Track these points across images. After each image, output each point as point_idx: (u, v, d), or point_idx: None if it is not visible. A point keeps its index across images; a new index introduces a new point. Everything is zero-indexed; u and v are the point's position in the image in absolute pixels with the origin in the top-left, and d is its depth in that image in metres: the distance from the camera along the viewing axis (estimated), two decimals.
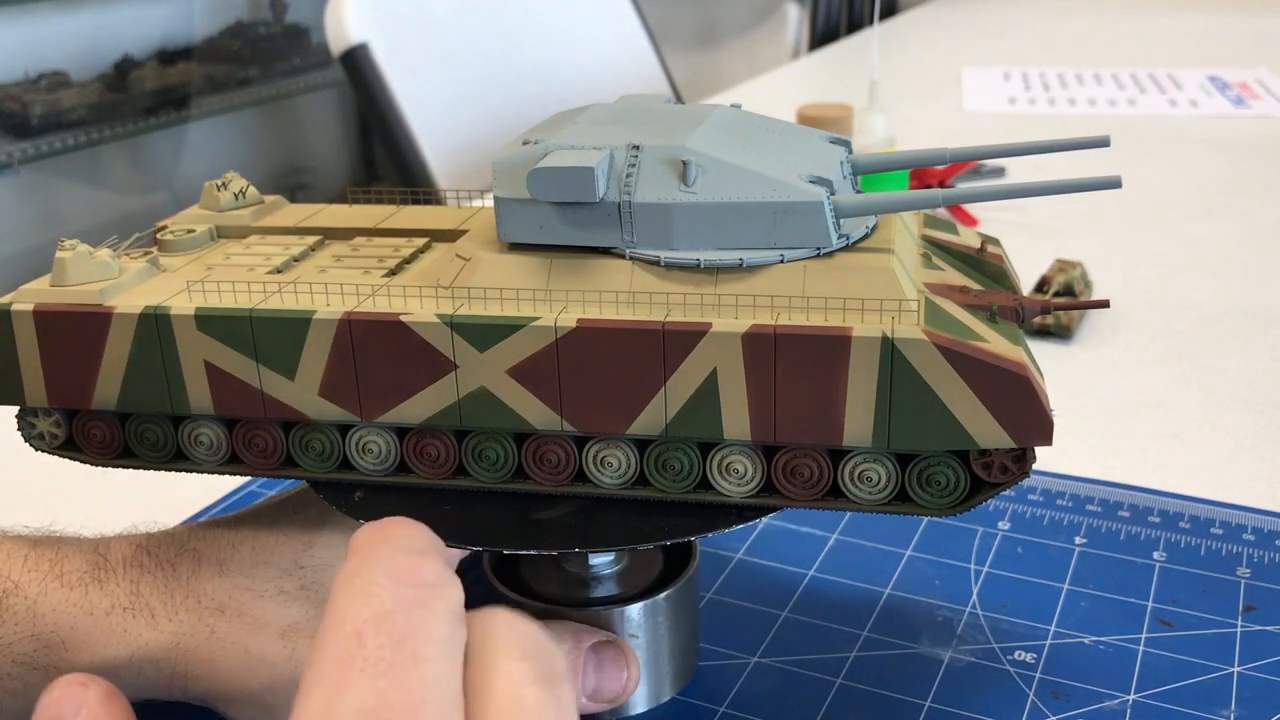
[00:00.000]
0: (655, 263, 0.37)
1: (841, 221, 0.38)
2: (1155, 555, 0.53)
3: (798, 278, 0.37)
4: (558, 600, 0.44)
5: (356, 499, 0.42)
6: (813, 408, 0.36)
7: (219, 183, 0.48)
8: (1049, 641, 0.48)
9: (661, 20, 1.95)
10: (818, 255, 0.37)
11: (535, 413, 0.38)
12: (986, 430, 0.35)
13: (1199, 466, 0.61)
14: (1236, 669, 0.46)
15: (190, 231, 0.46)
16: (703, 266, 0.37)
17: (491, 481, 0.40)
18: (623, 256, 0.38)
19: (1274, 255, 0.92)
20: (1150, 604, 0.50)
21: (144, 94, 2.06)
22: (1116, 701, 0.44)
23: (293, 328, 0.39)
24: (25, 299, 0.41)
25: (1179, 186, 1.09)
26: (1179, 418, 0.66)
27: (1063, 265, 0.80)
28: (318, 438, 0.41)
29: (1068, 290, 0.77)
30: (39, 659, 0.40)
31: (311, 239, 0.45)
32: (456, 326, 0.38)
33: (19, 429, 0.43)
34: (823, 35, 2.94)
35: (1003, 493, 0.38)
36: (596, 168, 0.36)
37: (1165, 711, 0.44)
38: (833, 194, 0.38)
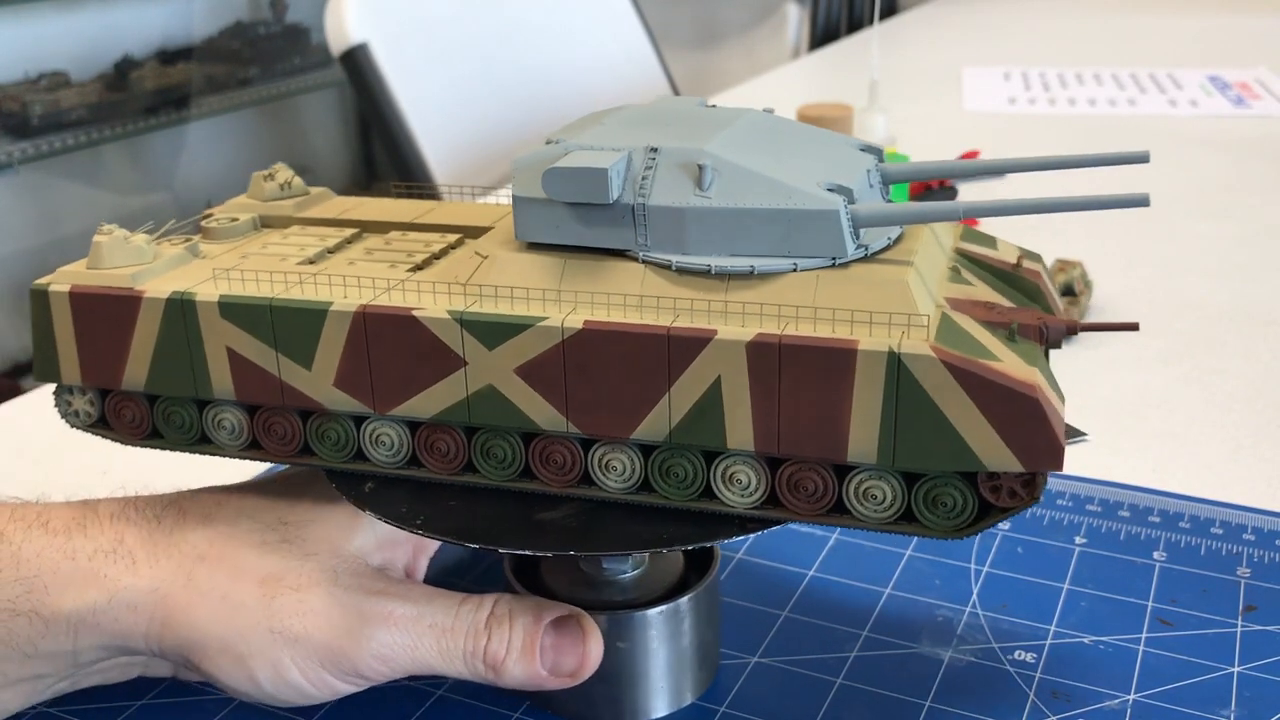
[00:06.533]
0: (667, 267, 0.37)
1: (861, 232, 0.37)
2: (1155, 555, 0.53)
3: (809, 287, 0.36)
4: (577, 602, 0.43)
5: (367, 490, 0.42)
6: (817, 421, 0.36)
7: (266, 173, 0.49)
8: (1049, 641, 0.48)
9: (661, 20, 1.95)
10: (833, 265, 0.37)
11: (541, 413, 0.38)
12: (994, 452, 0.34)
13: (1199, 466, 0.61)
14: (1236, 669, 0.46)
15: (234, 220, 0.47)
16: (714, 272, 0.37)
17: (499, 479, 0.40)
18: (636, 259, 0.38)
19: (1274, 255, 0.92)
20: (1150, 604, 0.50)
21: (144, 94, 2.06)
22: (1116, 701, 0.44)
23: (310, 318, 0.39)
24: (62, 280, 0.42)
25: (1179, 186, 1.09)
26: (1179, 418, 0.66)
27: (1063, 265, 0.80)
28: (333, 427, 0.42)
29: (1067, 290, 0.77)
30: (21, 604, 0.41)
31: (349, 231, 0.46)
32: (466, 323, 0.38)
33: (56, 405, 0.45)
34: (823, 35, 2.94)
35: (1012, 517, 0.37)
36: (610, 169, 0.36)
37: (1165, 711, 0.44)
38: (851, 203, 0.37)
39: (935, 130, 1.32)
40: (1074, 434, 0.42)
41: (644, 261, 0.37)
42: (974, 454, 0.34)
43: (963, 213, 0.37)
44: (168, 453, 0.45)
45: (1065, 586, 0.51)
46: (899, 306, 0.35)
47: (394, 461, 0.41)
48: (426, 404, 0.39)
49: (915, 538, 0.54)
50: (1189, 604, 0.50)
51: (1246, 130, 1.29)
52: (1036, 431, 0.34)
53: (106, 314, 0.42)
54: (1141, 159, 0.37)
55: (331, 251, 0.44)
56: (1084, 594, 0.51)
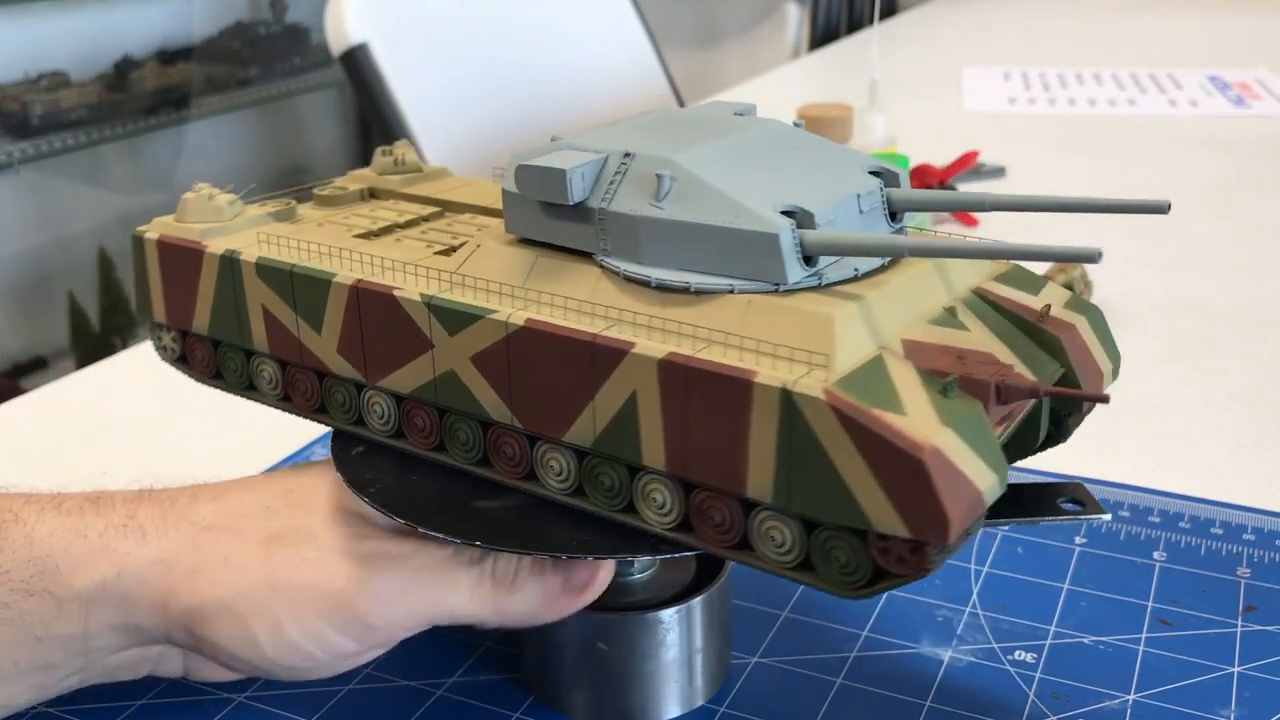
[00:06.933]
0: (618, 274, 0.37)
1: (820, 259, 0.35)
2: (1155, 555, 0.53)
3: (738, 312, 0.35)
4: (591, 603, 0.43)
5: (354, 453, 0.44)
6: (719, 449, 0.34)
7: (384, 149, 0.53)
8: (1049, 641, 0.48)
9: (661, 20, 1.95)
10: (775, 291, 0.35)
11: (491, 402, 0.39)
12: (881, 512, 0.32)
13: (1199, 466, 0.61)
14: (1236, 669, 0.46)
15: (343, 190, 0.50)
16: (654, 285, 0.36)
17: (462, 461, 0.41)
18: (598, 264, 0.38)
19: (1274, 255, 0.92)
20: (1150, 604, 0.50)
21: (144, 94, 2.05)
22: (1116, 701, 0.44)
23: (318, 286, 0.42)
24: (155, 230, 0.48)
25: (1179, 186, 1.09)
26: (1179, 418, 0.67)
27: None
28: (339, 390, 0.44)
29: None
30: (35, 584, 0.41)
31: (430, 210, 0.49)
32: (433, 308, 0.39)
33: (151, 339, 0.51)
34: (823, 35, 2.95)
35: (904, 585, 0.34)
36: (571, 171, 0.36)
37: (1165, 711, 0.44)
38: (802, 227, 0.35)
39: (935, 130, 1.32)
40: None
41: (601, 266, 0.37)
42: (862, 510, 0.32)
43: (907, 251, 0.34)
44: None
45: (1065, 586, 0.51)
46: (814, 343, 0.33)
47: (385, 430, 0.43)
48: (404, 379, 0.41)
49: None
50: (1189, 604, 0.50)
51: (1246, 130, 1.29)
52: (921, 497, 0.31)
53: (181, 263, 0.46)
54: (1160, 209, 0.35)
55: (401, 227, 0.46)
56: (1084, 594, 0.51)
